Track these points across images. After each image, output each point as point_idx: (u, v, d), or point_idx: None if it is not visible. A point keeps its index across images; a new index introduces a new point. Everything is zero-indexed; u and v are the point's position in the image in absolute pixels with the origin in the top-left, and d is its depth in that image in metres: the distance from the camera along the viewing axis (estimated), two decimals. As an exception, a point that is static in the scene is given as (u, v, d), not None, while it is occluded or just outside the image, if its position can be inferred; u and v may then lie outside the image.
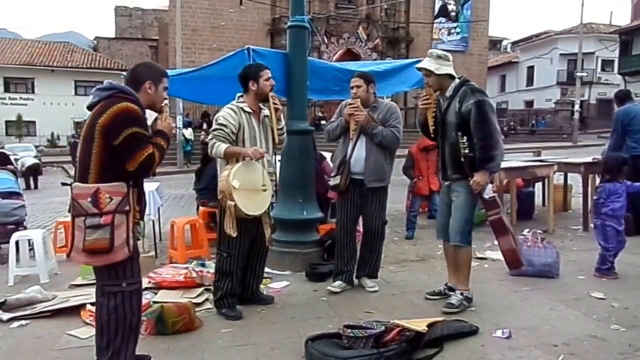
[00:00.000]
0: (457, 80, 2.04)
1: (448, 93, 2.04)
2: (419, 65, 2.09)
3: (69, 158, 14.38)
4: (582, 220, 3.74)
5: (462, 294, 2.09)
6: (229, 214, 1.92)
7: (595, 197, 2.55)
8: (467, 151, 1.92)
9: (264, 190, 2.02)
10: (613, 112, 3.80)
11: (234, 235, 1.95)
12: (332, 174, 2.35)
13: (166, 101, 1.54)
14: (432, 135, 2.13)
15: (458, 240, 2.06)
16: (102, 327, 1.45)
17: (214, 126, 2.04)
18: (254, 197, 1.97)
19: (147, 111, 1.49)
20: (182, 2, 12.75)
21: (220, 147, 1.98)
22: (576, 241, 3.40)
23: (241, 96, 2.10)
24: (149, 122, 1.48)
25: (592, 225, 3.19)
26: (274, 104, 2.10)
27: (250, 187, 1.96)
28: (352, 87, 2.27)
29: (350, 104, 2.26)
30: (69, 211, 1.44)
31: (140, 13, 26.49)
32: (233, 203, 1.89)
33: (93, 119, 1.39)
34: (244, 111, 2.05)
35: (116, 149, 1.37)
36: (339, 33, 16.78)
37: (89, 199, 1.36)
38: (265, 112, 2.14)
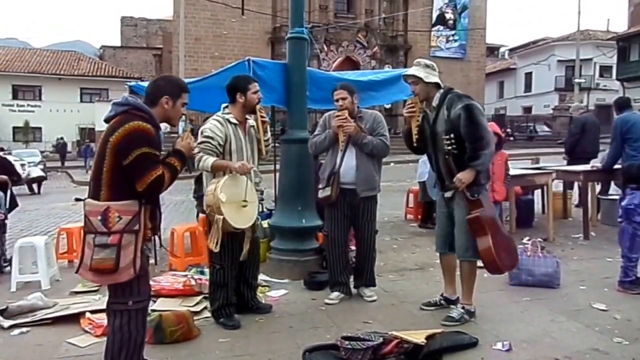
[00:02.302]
0: (442, 90, 2.04)
1: (435, 103, 2.04)
2: (407, 72, 2.07)
3: (74, 163, 14.55)
4: (582, 229, 3.71)
5: (463, 307, 2.07)
6: (216, 228, 1.91)
7: (631, 207, 2.40)
8: (450, 148, 1.90)
9: (250, 203, 2.00)
10: (612, 119, 3.81)
11: (217, 250, 1.94)
12: (322, 186, 2.33)
13: (183, 117, 1.51)
14: (414, 145, 2.11)
15: (469, 255, 2.02)
16: (107, 344, 1.44)
17: (200, 139, 2.00)
18: (241, 210, 1.96)
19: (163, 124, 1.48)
20: (186, 12, 13.00)
21: (208, 161, 1.97)
22: (577, 250, 3.36)
23: (226, 107, 2.10)
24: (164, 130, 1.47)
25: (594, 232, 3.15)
26: (261, 116, 2.10)
27: (236, 200, 1.94)
28: (337, 100, 2.26)
29: (338, 115, 2.25)
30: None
31: (145, 23, 26.96)
32: (221, 217, 1.89)
33: (106, 135, 1.39)
34: (230, 122, 2.05)
35: (126, 169, 1.36)
36: (338, 41, 17.02)
37: (99, 217, 1.36)
38: (251, 122, 2.14)
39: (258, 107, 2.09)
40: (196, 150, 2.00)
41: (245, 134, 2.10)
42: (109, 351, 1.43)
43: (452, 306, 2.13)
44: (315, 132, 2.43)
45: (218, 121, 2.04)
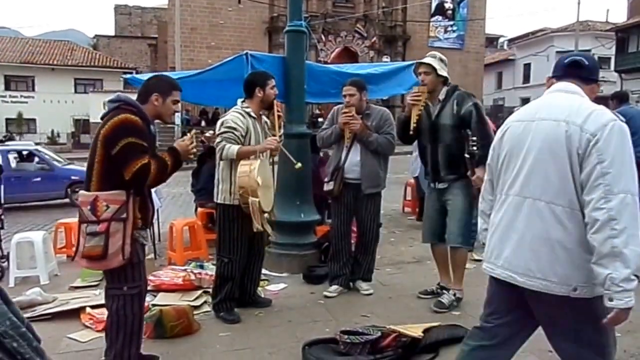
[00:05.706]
0: (447, 86, 2.12)
1: (440, 97, 2.10)
2: (423, 60, 2.11)
3: (69, 155, 14.38)
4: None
5: (454, 294, 2.13)
6: (254, 209, 1.93)
7: None
8: (475, 149, 1.97)
9: (271, 187, 2.12)
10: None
11: (262, 229, 1.99)
12: (326, 180, 2.37)
13: (178, 113, 1.61)
14: (409, 134, 2.15)
15: (460, 242, 2.09)
16: (107, 329, 1.55)
17: (222, 129, 2.05)
18: (267, 194, 2.05)
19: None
20: (181, 1, 12.72)
21: (233, 148, 2.00)
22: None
23: (244, 101, 2.13)
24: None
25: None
26: (278, 111, 2.15)
27: (265, 184, 2.03)
28: (345, 96, 2.27)
29: (344, 112, 2.26)
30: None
31: (139, 11, 26.37)
32: (257, 199, 1.92)
33: (98, 130, 1.47)
34: (250, 116, 2.10)
35: (114, 158, 1.43)
36: (336, 31, 16.77)
37: (89, 207, 1.43)
38: (264, 118, 2.20)
39: (275, 101, 2.14)
40: (218, 139, 2.05)
41: (262, 129, 2.16)
42: (107, 334, 1.54)
43: (443, 291, 2.19)
44: (324, 126, 2.45)
45: (239, 113, 2.08)
